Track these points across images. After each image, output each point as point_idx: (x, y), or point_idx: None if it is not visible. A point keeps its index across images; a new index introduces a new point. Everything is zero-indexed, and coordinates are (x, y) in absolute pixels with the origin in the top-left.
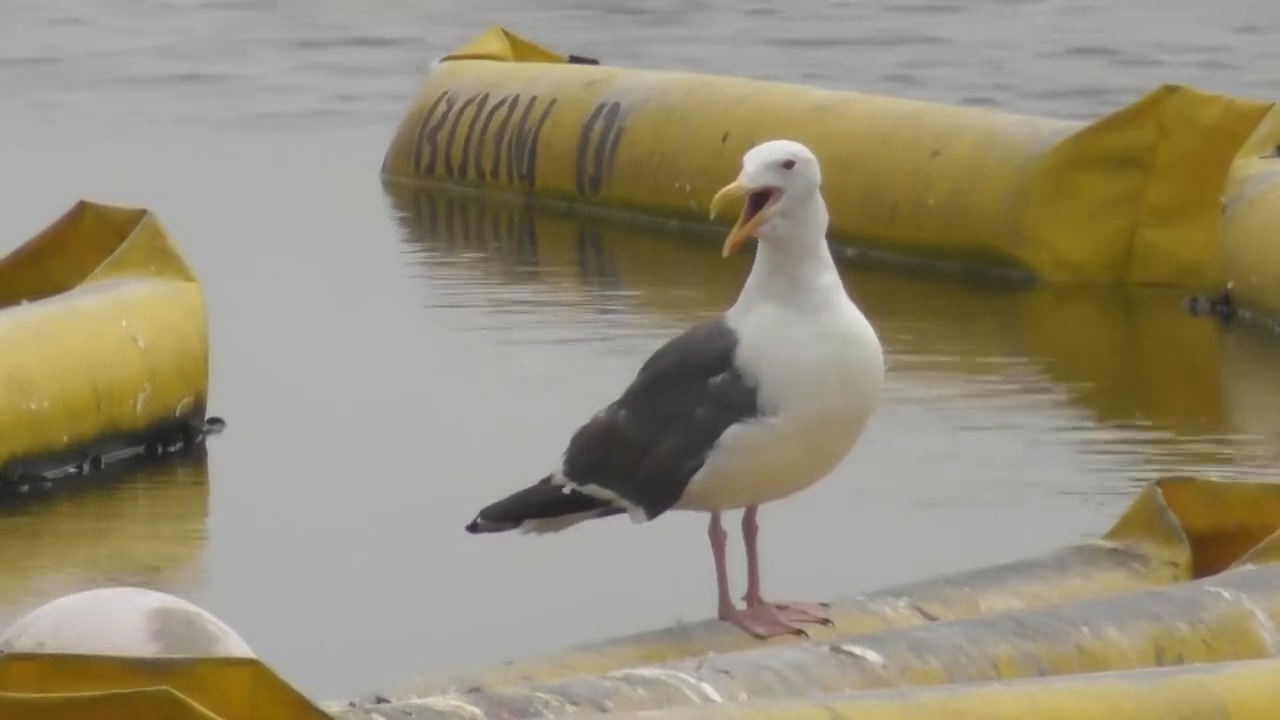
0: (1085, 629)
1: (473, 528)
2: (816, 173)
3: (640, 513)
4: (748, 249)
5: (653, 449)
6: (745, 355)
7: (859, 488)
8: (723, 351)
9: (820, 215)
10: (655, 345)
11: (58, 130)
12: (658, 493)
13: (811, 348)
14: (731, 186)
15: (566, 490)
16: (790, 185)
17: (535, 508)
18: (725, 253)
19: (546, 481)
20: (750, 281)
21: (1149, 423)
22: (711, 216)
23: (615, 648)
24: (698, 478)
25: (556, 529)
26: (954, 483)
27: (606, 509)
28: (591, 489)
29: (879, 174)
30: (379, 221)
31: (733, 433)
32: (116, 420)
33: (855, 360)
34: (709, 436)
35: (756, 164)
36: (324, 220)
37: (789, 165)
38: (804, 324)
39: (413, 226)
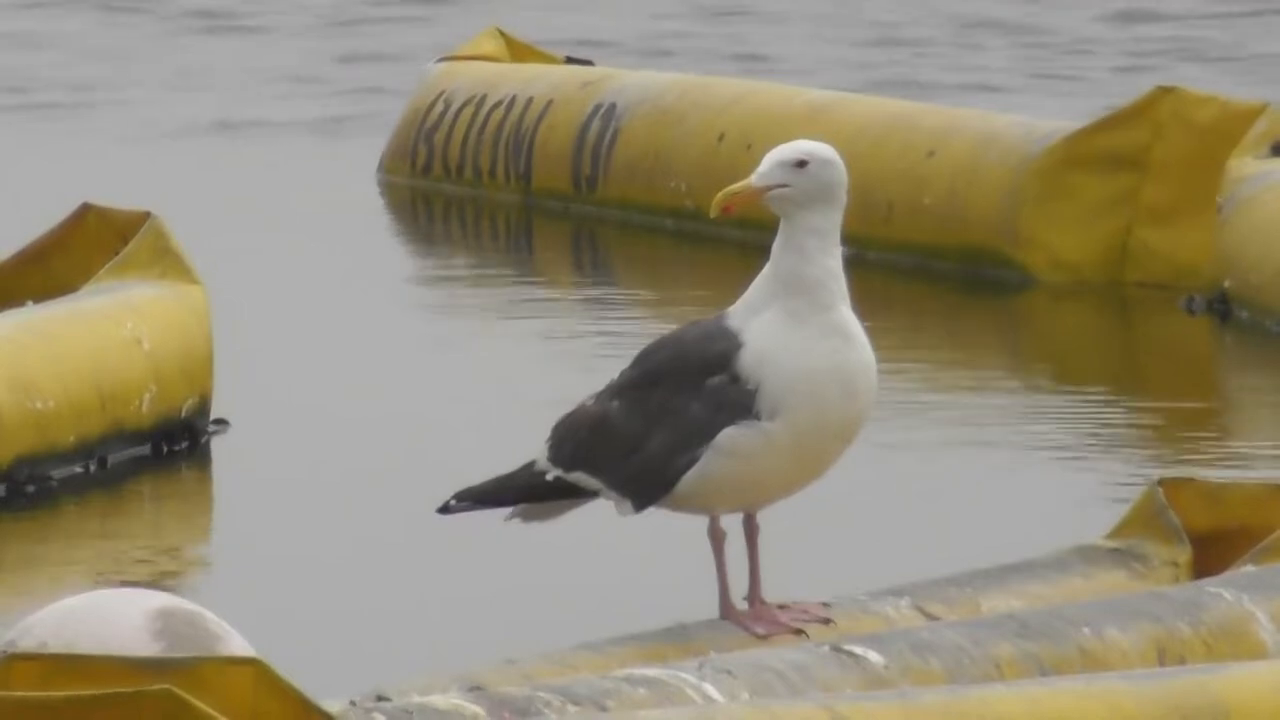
0: (1087, 629)
1: (444, 509)
2: (835, 174)
3: (627, 505)
4: (752, 253)
5: (645, 443)
6: (747, 360)
7: (858, 487)
8: (723, 353)
9: (837, 214)
10: None
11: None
12: (647, 487)
13: (814, 358)
14: (738, 184)
15: (551, 476)
16: (799, 183)
17: (517, 492)
18: (712, 213)
19: (529, 466)
20: (762, 275)
21: (1147, 422)
22: (712, 215)
23: (616, 647)
24: (688, 477)
25: (544, 517)
26: (952, 483)
27: (591, 497)
28: (578, 477)
29: (874, 174)
30: (376, 222)
31: (727, 435)
32: (122, 421)
33: (854, 372)
34: (702, 434)
35: (769, 162)
36: (321, 221)
37: (801, 165)
38: (808, 331)
39: (409, 226)
